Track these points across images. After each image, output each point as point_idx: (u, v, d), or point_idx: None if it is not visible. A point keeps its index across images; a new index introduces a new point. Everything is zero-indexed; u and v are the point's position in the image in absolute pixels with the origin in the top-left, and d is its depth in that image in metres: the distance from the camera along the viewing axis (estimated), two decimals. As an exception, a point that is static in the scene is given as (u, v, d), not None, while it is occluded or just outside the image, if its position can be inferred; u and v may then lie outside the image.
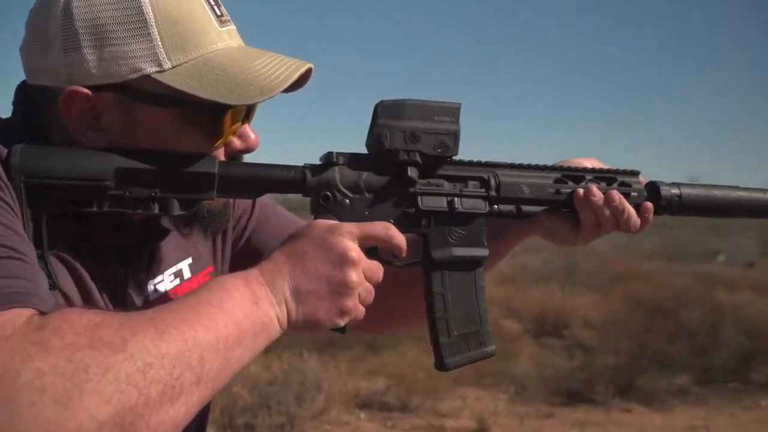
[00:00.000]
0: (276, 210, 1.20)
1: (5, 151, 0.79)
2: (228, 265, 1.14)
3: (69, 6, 0.82)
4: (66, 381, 0.59)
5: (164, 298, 0.97)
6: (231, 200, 1.04)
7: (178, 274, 1.01)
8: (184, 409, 0.67)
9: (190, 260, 1.04)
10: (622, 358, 6.21)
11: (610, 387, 5.92)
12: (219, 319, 0.72)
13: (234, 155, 0.94)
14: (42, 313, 0.66)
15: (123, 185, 0.84)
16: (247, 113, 0.92)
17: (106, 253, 0.86)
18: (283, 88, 0.87)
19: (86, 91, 0.83)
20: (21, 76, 0.90)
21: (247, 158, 0.98)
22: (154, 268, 0.98)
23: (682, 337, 6.58)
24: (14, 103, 0.92)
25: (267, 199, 1.16)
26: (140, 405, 0.62)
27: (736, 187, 1.25)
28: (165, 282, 0.99)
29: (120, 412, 0.61)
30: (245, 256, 1.14)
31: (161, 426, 0.64)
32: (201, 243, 1.08)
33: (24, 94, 0.91)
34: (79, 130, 0.85)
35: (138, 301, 0.95)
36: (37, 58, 0.86)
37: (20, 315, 0.64)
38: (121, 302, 0.91)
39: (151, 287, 0.97)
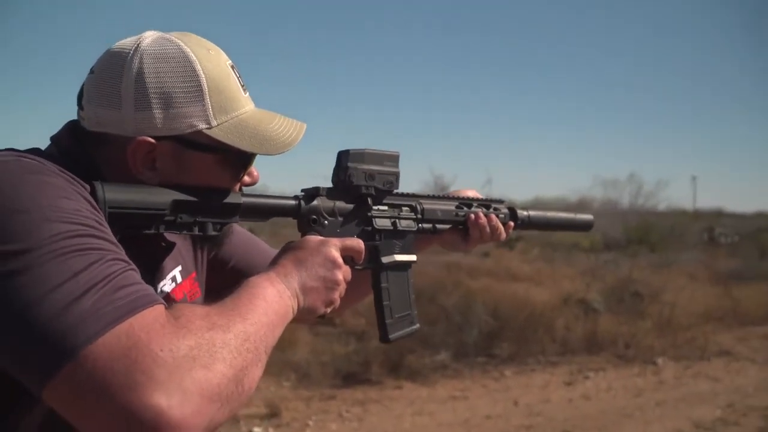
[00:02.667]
0: (236, 228, 1.40)
1: (88, 186, 0.94)
2: (205, 270, 1.34)
3: (141, 74, 1.01)
4: (205, 352, 0.80)
5: (167, 297, 1.16)
6: None
7: (174, 278, 1.20)
8: (260, 371, 0.89)
9: (180, 267, 1.22)
10: (391, 341, 6.84)
11: (383, 367, 6.53)
12: (267, 308, 0.95)
13: (241, 187, 1.17)
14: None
15: (175, 213, 1.04)
16: None
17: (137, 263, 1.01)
18: (295, 144, 1.13)
19: (152, 140, 1.02)
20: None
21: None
22: (160, 274, 1.16)
23: (440, 319, 7.38)
24: (60, 140, 1.06)
25: None
26: (244, 367, 0.84)
27: (558, 212, 1.79)
28: (167, 285, 1.17)
29: (236, 372, 0.83)
30: (214, 263, 1.37)
31: (252, 381, 0.87)
32: (186, 253, 1.27)
33: (76, 135, 1.06)
34: (139, 171, 1.04)
35: None
36: (105, 111, 1.02)
37: (161, 309, 0.83)
38: None
39: (158, 289, 1.15)
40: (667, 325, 8.30)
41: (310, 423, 5.32)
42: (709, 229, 21.71)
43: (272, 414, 5.40)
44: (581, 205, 25.46)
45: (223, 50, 1.12)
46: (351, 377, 6.43)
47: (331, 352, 6.97)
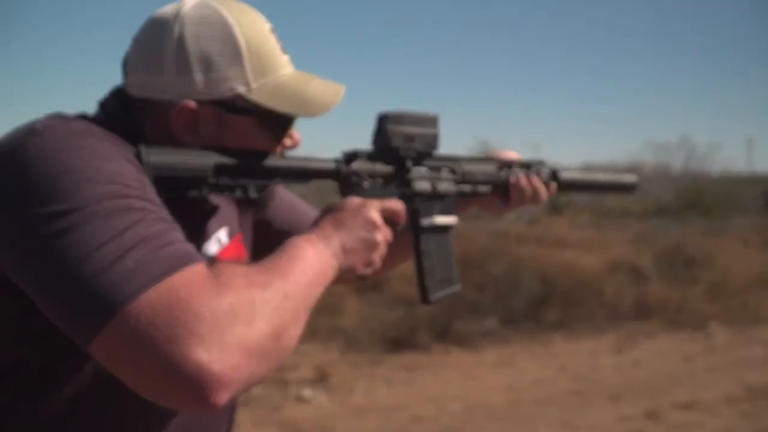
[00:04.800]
0: (280, 190, 1.44)
1: (134, 149, 0.96)
2: (251, 232, 1.36)
3: (182, 39, 1.03)
4: (244, 309, 0.82)
5: (212, 259, 1.17)
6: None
7: (219, 240, 1.22)
8: (300, 329, 0.91)
9: (225, 229, 1.24)
10: (438, 307, 6.90)
11: (430, 333, 6.59)
12: (306, 268, 0.97)
13: (283, 150, 1.18)
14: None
15: (218, 175, 1.06)
16: None
17: (182, 225, 1.02)
18: (333, 106, 1.14)
19: (194, 104, 1.04)
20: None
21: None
22: (206, 235, 1.18)
23: (488, 285, 7.39)
24: (107, 105, 1.09)
25: None
26: (284, 325, 0.86)
27: (601, 172, 1.76)
28: (212, 246, 1.19)
29: (275, 329, 0.84)
30: (259, 224, 1.39)
31: (292, 339, 0.89)
32: (231, 214, 1.29)
33: (123, 101, 1.09)
34: (182, 134, 1.06)
35: None
36: (148, 77, 1.05)
37: (202, 267, 0.85)
38: None
39: (203, 250, 1.17)
40: (720, 291, 8.15)
41: (358, 387, 5.42)
42: (765, 194, 21.08)
43: (321, 378, 5.51)
44: (631, 170, 24.91)
45: (263, 14, 1.13)
46: (399, 343, 6.50)
47: (379, 319, 7.04)
